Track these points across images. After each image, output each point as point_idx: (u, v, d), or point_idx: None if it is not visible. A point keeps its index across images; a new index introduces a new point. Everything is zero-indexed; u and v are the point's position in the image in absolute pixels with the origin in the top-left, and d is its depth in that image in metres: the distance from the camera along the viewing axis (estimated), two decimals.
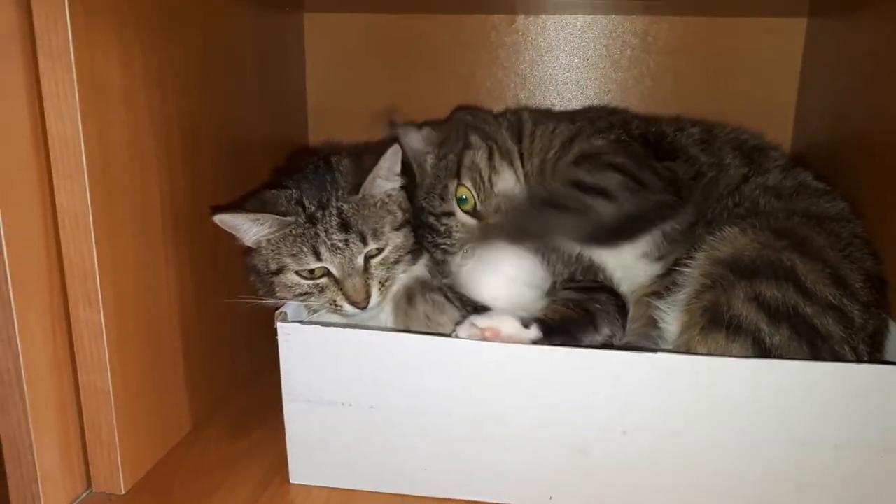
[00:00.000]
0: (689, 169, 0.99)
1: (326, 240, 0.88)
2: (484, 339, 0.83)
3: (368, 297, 0.90)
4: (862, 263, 0.88)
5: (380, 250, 0.92)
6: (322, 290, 0.90)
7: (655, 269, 0.97)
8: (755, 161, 1.01)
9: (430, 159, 1.05)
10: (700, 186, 0.98)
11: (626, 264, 0.98)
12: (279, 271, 0.90)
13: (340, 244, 0.88)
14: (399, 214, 0.96)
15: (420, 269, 0.99)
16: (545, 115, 1.11)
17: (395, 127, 1.05)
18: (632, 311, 0.98)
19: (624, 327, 0.96)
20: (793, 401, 0.78)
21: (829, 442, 0.79)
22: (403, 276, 0.97)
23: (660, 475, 0.82)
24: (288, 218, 0.89)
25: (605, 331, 0.92)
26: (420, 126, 1.06)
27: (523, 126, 1.08)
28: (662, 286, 0.94)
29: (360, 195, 0.91)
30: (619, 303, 0.96)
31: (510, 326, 0.84)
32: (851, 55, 1.12)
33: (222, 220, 0.88)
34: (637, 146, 0.99)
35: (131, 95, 0.83)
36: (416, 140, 1.05)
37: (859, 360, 0.83)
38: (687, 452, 0.81)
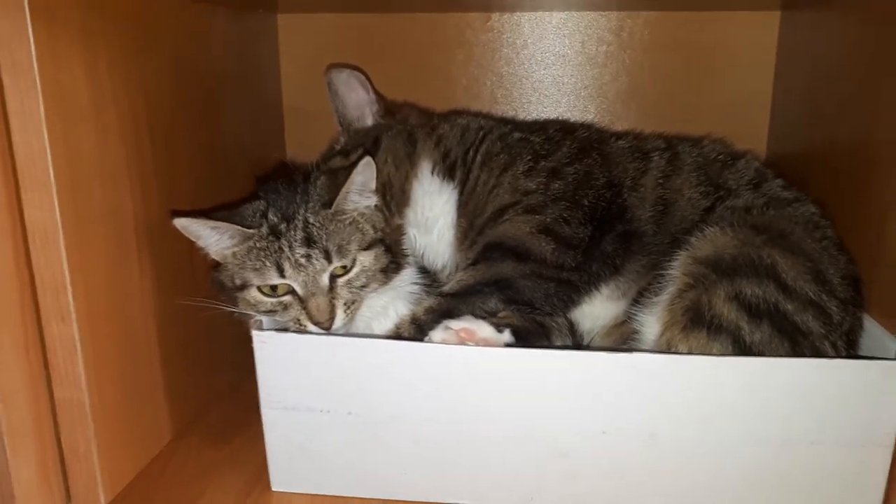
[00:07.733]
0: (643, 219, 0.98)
1: (290, 255, 0.85)
2: (459, 340, 0.83)
3: (333, 317, 0.87)
4: (837, 262, 0.89)
5: (346, 269, 0.89)
6: (286, 307, 0.88)
7: (620, 306, 0.99)
8: (722, 187, 0.98)
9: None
10: (659, 227, 0.97)
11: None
12: (242, 287, 0.88)
13: (303, 260, 0.85)
14: (370, 233, 0.92)
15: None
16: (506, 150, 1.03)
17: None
18: (601, 341, 1.00)
19: (574, 343, 0.99)
20: (772, 397, 0.79)
21: (807, 438, 0.80)
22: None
23: (640, 475, 0.83)
24: (249, 230, 0.86)
25: (558, 343, 0.96)
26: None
27: (469, 174, 1.03)
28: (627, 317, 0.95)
29: (332, 210, 0.89)
30: (568, 321, 0.99)
31: (485, 330, 0.85)
32: (823, 47, 1.13)
33: (182, 224, 0.86)
34: (579, 216, 0.96)
35: (99, 107, 0.82)
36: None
37: (839, 356, 0.84)
38: (667, 451, 0.81)
